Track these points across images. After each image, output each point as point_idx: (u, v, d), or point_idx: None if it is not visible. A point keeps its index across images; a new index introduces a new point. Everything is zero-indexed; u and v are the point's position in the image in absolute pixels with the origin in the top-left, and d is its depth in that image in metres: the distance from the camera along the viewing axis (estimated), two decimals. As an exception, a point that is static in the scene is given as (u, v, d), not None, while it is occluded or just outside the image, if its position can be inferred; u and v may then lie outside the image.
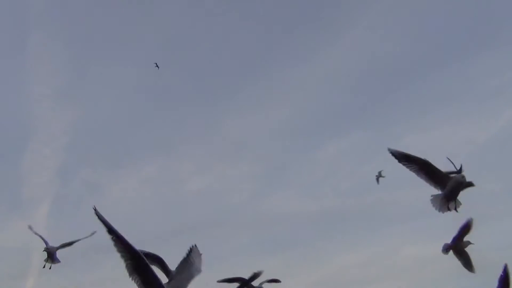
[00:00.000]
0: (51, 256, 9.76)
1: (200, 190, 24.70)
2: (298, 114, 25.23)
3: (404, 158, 7.84)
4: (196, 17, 26.07)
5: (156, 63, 14.64)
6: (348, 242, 19.79)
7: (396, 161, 7.83)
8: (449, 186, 7.82)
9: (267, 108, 25.77)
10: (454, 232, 8.58)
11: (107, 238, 5.67)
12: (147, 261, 5.63)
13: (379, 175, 14.09)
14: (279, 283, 11.32)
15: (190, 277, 6.36)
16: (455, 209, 7.96)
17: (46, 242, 10.08)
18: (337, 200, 23.05)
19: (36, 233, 10.02)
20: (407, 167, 7.86)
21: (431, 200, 8.00)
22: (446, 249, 8.63)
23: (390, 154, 7.84)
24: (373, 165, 22.66)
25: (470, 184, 7.95)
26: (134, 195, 24.01)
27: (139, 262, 5.56)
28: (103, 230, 5.69)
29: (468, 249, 8.53)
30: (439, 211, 7.96)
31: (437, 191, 7.96)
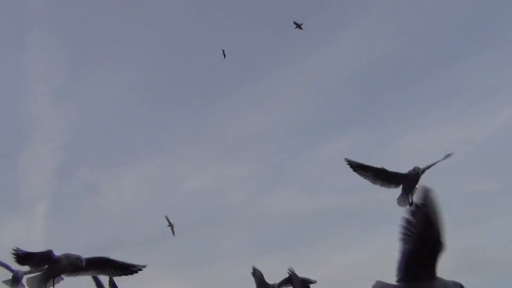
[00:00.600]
0: (16, 281, 9.52)
1: (198, 189, 24.73)
2: (296, 114, 25.24)
3: (360, 168, 8.16)
4: (194, 17, 26.09)
5: (223, 51, 14.02)
6: (346, 241, 19.84)
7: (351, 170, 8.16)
8: (408, 182, 8.14)
9: (264, 107, 25.78)
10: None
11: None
12: None
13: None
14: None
15: None
16: (411, 202, 8.20)
17: (9, 267, 9.97)
18: (335, 199, 23.08)
19: None
20: (362, 175, 8.19)
21: (397, 202, 8.38)
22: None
23: (347, 164, 8.14)
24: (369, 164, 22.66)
25: (418, 176, 8.10)
26: (132, 194, 24.03)
27: None
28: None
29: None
30: (402, 207, 8.28)
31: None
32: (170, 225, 13.86)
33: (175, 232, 13.18)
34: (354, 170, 8.17)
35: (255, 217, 21.06)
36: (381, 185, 8.26)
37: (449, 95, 23.12)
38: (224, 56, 14.08)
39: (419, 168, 8.11)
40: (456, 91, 23.67)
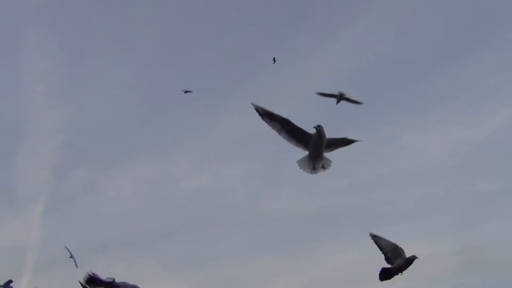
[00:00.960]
0: None
1: (196, 189, 24.65)
2: (294, 114, 25.17)
3: (267, 116, 7.81)
4: (193, 16, 26.02)
5: (274, 58, 13.73)
6: (344, 241, 19.81)
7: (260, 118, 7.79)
8: (311, 144, 7.79)
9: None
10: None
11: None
12: None
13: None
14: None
15: None
16: (323, 167, 7.97)
17: None
18: (333, 200, 23.04)
19: None
20: (270, 125, 7.84)
21: (298, 163, 8.02)
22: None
23: (255, 110, 7.78)
24: (368, 165, 22.69)
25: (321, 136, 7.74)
26: (130, 194, 23.94)
27: None
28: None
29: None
30: (307, 173, 7.98)
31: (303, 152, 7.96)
32: (72, 256, 12.90)
33: (77, 264, 12.01)
34: (262, 119, 7.83)
35: (254, 217, 21.00)
36: (288, 140, 7.90)
37: (449, 95, 23.10)
38: (274, 61, 13.95)
39: (321, 128, 7.69)
40: (455, 91, 23.64)
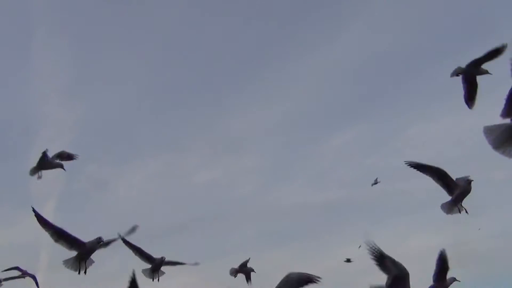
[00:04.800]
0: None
1: (206, 183, 24.81)
2: (303, 107, 25.23)
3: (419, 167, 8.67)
4: (200, 13, 26.05)
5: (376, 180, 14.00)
6: (354, 233, 19.85)
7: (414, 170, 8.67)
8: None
9: (271, 101, 25.78)
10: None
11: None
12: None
13: (375, 182, 14.08)
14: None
15: None
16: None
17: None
18: (342, 192, 23.09)
19: None
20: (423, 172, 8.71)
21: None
22: None
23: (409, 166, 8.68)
24: (377, 156, 22.67)
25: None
26: (141, 190, 24.16)
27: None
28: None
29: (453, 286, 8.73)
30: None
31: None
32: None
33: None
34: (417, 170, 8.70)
35: (264, 210, 21.13)
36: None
37: (455, 86, 22.93)
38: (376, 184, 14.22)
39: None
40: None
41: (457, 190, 8.59)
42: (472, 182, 8.53)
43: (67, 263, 8.79)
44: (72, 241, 8.59)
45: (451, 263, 8.48)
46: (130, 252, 10.37)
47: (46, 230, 8.52)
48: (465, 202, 8.61)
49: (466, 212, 8.77)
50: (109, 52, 25.59)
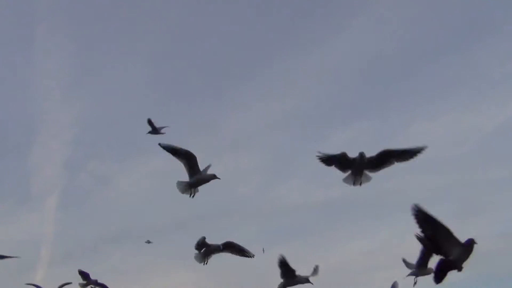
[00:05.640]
0: None
1: (208, 180, 24.72)
2: (304, 105, 25.22)
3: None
4: (202, 8, 26.02)
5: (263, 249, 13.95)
6: (356, 230, 19.86)
7: None
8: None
9: (273, 98, 25.77)
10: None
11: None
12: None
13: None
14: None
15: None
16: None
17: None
18: (344, 189, 23.02)
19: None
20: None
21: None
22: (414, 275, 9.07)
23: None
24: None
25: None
26: (142, 186, 24.20)
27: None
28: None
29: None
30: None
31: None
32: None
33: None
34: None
35: (265, 208, 21.14)
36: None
37: (459, 84, 22.94)
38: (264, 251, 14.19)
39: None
40: (466, 79, 23.51)
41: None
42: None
43: (180, 185, 10.02)
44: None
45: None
46: (130, 248, 10.42)
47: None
48: (465, 202, 8.53)
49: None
50: (110, 49, 25.64)
